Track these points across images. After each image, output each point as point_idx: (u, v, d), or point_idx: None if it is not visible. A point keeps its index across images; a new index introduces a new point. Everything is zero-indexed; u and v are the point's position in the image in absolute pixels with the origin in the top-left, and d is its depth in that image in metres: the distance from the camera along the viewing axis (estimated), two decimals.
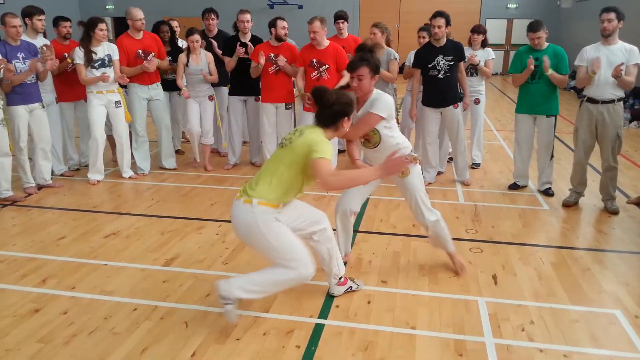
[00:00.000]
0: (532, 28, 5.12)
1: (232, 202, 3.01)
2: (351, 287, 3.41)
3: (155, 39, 6.06)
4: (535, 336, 2.96)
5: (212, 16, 6.45)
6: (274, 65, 5.72)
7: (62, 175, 6.03)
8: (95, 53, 5.43)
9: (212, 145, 6.50)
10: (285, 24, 5.75)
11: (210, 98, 6.14)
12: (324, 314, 3.18)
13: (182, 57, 5.90)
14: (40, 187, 5.54)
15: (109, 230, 4.50)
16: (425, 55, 5.46)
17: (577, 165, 5.04)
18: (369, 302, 3.31)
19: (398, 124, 6.61)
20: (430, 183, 5.72)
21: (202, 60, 5.92)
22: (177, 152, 6.85)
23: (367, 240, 4.30)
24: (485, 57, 6.15)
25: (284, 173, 2.88)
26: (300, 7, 19.41)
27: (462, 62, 5.53)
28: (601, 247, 4.22)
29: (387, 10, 19.32)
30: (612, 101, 4.72)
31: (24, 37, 5.33)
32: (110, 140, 6.08)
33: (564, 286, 3.54)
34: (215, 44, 6.34)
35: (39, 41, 5.47)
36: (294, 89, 6.12)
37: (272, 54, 5.70)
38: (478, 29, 6.19)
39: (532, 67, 5.06)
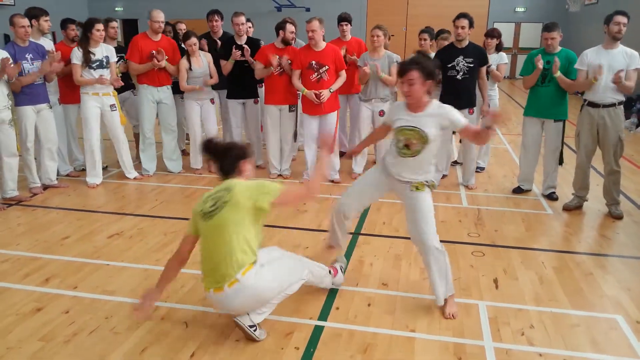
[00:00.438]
0: (547, 28, 5.13)
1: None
2: (341, 267, 3.52)
3: (172, 44, 6.08)
4: (535, 340, 2.95)
5: (217, 18, 6.45)
6: (279, 67, 5.74)
7: (67, 175, 6.08)
8: (94, 54, 5.45)
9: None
10: (294, 28, 5.76)
11: (212, 101, 6.15)
12: (323, 316, 3.18)
13: (184, 62, 5.89)
14: (45, 187, 5.59)
15: (112, 230, 4.53)
16: (445, 55, 5.46)
17: (579, 170, 5.02)
18: (369, 305, 3.31)
19: None
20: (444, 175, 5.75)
21: (204, 62, 5.94)
22: (182, 152, 6.86)
23: (369, 243, 4.30)
24: (498, 61, 6.13)
25: (245, 234, 2.75)
26: (308, 9, 19.45)
27: (483, 68, 5.50)
28: (604, 252, 4.20)
29: (394, 14, 19.36)
30: (613, 105, 4.71)
31: (31, 39, 5.39)
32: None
33: (565, 291, 3.52)
34: (219, 44, 6.36)
35: (45, 43, 5.51)
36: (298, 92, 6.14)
37: (277, 56, 5.72)
38: (492, 33, 6.17)
39: (540, 66, 5.04)
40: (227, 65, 6.03)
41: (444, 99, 5.51)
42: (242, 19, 6.07)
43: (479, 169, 6.42)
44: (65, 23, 5.92)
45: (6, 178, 5.17)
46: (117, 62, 5.95)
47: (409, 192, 3.20)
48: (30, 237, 4.39)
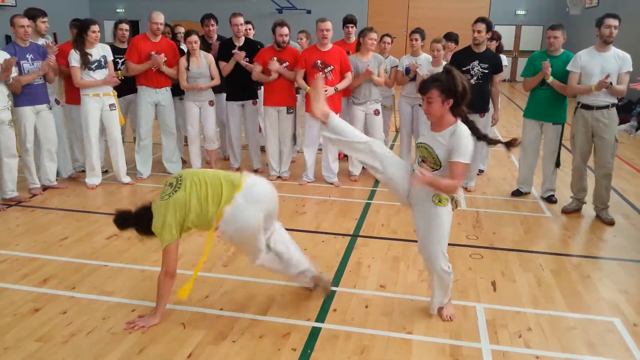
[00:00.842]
0: (552, 26, 5.15)
1: None
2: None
3: (171, 45, 6.08)
4: (532, 343, 2.96)
5: (212, 22, 6.45)
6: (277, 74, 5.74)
7: (69, 177, 6.06)
8: (91, 55, 5.44)
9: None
10: (285, 30, 5.72)
11: (211, 103, 6.14)
12: (321, 317, 3.19)
13: (183, 61, 5.88)
14: (45, 188, 5.59)
15: (111, 231, 4.53)
16: (461, 59, 5.48)
17: (575, 172, 5.03)
18: (366, 307, 3.32)
19: (397, 131, 6.65)
20: None
21: (203, 63, 5.92)
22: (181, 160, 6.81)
23: (367, 245, 4.31)
24: None
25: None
26: (309, 11, 19.49)
27: (497, 75, 5.51)
28: (602, 255, 4.21)
29: (395, 16, 19.39)
30: (607, 107, 4.72)
31: (31, 40, 5.41)
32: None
33: (563, 293, 3.52)
34: (216, 47, 6.36)
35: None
36: (297, 95, 6.16)
37: (275, 58, 5.73)
38: (491, 35, 6.14)
39: (548, 72, 5.02)
40: (227, 67, 6.03)
41: None
42: (240, 19, 6.07)
43: (479, 172, 6.42)
44: (71, 24, 5.94)
45: (6, 179, 5.18)
46: (122, 64, 5.96)
47: (429, 203, 2.94)
48: (29, 237, 4.39)
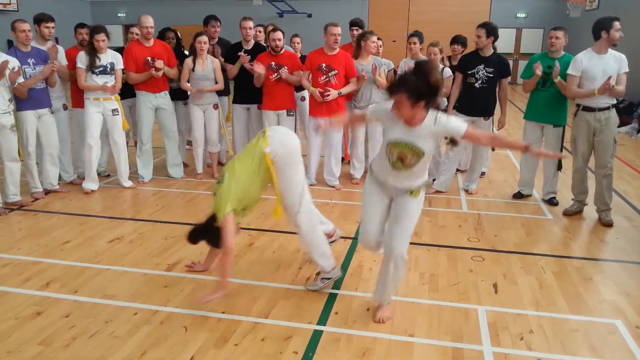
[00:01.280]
0: (554, 27, 5.20)
1: None
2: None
3: (165, 47, 6.07)
4: (534, 345, 2.96)
5: (217, 23, 6.49)
6: (275, 74, 5.76)
7: (71, 183, 6.05)
8: (99, 58, 5.46)
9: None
10: (278, 35, 5.72)
11: (215, 106, 6.15)
12: (322, 320, 3.19)
13: (188, 61, 5.89)
14: (47, 192, 5.61)
15: (113, 235, 4.55)
16: (467, 62, 5.50)
17: (576, 174, 5.03)
18: (368, 310, 3.32)
19: None
20: (439, 192, 5.74)
21: (208, 66, 5.94)
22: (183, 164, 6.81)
23: None
24: None
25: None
26: (310, 15, 19.54)
27: (505, 80, 5.51)
28: (604, 257, 4.21)
29: (396, 19, 19.42)
30: (607, 108, 4.75)
31: (34, 44, 5.43)
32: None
33: (564, 295, 3.52)
34: (218, 50, 6.38)
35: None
36: (296, 94, 6.17)
37: (272, 62, 5.75)
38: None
39: (539, 73, 5.07)
40: (233, 70, 6.06)
41: (459, 105, 5.57)
42: (250, 23, 6.09)
43: (481, 174, 6.42)
44: (76, 28, 5.97)
45: (8, 182, 5.20)
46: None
47: (404, 196, 3.09)
48: (31, 241, 4.40)
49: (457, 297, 3.49)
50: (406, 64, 6.04)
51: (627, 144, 8.40)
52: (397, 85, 2.79)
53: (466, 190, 5.83)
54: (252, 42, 6.17)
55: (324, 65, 5.56)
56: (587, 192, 5.08)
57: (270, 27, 5.98)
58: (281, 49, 5.78)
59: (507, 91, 5.59)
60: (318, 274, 3.62)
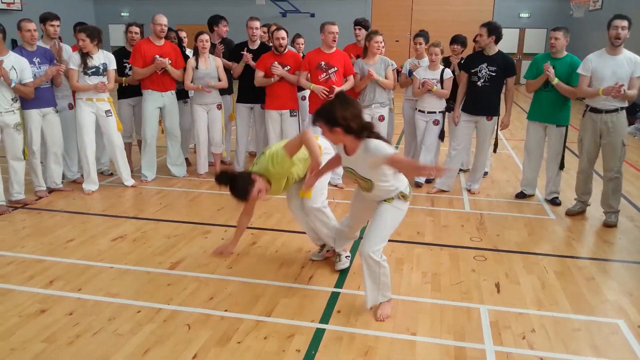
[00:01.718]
0: (554, 28, 5.17)
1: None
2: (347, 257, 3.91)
3: (175, 48, 6.07)
4: (536, 344, 2.96)
5: (226, 23, 6.53)
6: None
7: (75, 181, 6.06)
8: (92, 58, 5.43)
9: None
10: (282, 34, 5.72)
11: (219, 107, 6.16)
12: (325, 319, 3.20)
13: (192, 60, 5.90)
14: (51, 191, 5.63)
15: (116, 233, 4.56)
16: (471, 61, 5.52)
17: (581, 175, 5.02)
18: (370, 308, 3.32)
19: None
20: (442, 191, 5.74)
21: (211, 65, 5.95)
22: (186, 160, 6.81)
23: None
24: None
25: None
26: (313, 15, 19.54)
27: (511, 79, 5.49)
28: (606, 257, 4.20)
29: (399, 19, 19.43)
30: (616, 110, 4.69)
31: (40, 43, 5.45)
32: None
33: (567, 295, 3.52)
34: (220, 50, 6.39)
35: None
36: (298, 94, 6.18)
37: (276, 62, 5.76)
38: (474, 37, 6.12)
39: (551, 74, 5.01)
40: (237, 69, 6.08)
41: (463, 104, 5.58)
42: (257, 23, 6.11)
43: (483, 174, 6.41)
44: (76, 27, 5.98)
45: (12, 181, 5.22)
46: (129, 69, 6.00)
47: (382, 202, 3.22)
48: (35, 239, 4.42)
49: (459, 296, 3.50)
50: (411, 64, 6.06)
51: (631, 145, 8.38)
52: (316, 114, 2.99)
53: (469, 190, 5.83)
54: (258, 42, 6.18)
55: (323, 63, 5.57)
56: (591, 193, 5.07)
57: (274, 27, 5.99)
58: (285, 48, 5.79)
59: (512, 91, 5.58)
60: (339, 254, 3.84)
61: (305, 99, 6.41)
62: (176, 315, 3.23)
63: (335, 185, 5.91)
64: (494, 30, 5.34)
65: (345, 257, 3.87)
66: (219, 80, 6.01)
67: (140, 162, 6.26)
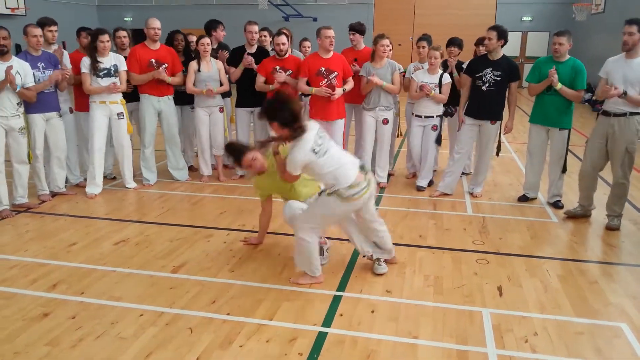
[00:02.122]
0: (558, 32, 5.15)
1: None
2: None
3: (171, 52, 6.09)
4: (539, 348, 2.95)
5: (223, 27, 6.56)
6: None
7: (77, 185, 6.08)
8: (101, 62, 5.50)
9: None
10: (282, 39, 5.74)
11: (221, 109, 6.17)
12: (327, 322, 3.20)
13: (193, 64, 5.91)
14: (54, 195, 5.64)
15: (119, 237, 4.58)
16: (475, 65, 5.51)
17: (581, 181, 4.98)
18: (372, 312, 3.32)
19: (399, 136, 6.65)
20: (444, 194, 5.74)
21: (213, 67, 5.97)
22: (190, 168, 6.79)
23: None
24: None
25: None
26: (315, 19, 19.57)
27: (514, 84, 5.49)
28: (609, 260, 4.19)
29: (401, 23, 19.44)
30: (624, 114, 4.58)
31: (43, 49, 5.48)
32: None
33: (569, 298, 3.52)
34: (224, 55, 6.40)
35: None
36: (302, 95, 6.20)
37: (277, 67, 5.77)
38: (481, 41, 6.05)
39: (555, 80, 4.99)
40: (236, 72, 6.08)
41: (467, 108, 5.59)
42: (255, 27, 6.13)
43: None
44: (79, 32, 6.02)
45: (16, 184, 5.24)
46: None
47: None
48: (38, 243, 4.44)
49: (461, 299, 3.49)
50: (415, 67, 6.07)
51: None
52: (262, 113, 3.54)
53: (471, 194, 5.83)
54: (256, 46, 6.20)
55: (323, 69, 5.58)
56: (591, 200, 5.01)
57: (276, 32, 6.00)
58: (285, 53, 5.80)
59: (516, 95, 5.58)
60: (377, 259, 3.91)
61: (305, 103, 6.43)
62: (179, 318, 3.23)
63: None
64: (503, 34, 5.34)
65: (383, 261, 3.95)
66: (221, 83, 6.03)
67: (138, 166, 6.28)
